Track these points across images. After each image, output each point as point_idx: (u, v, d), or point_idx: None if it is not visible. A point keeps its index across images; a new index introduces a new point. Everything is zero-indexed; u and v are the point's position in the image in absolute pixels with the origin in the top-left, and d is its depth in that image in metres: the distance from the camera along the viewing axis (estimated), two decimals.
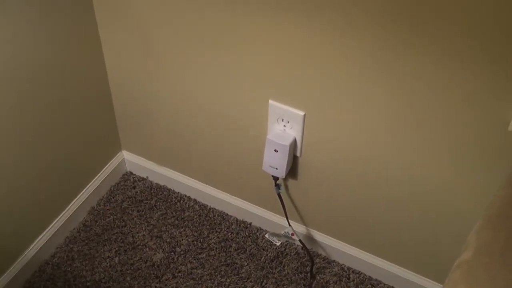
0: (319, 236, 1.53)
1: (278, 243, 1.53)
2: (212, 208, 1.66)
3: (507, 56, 0.94)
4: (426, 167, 1.19)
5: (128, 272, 1.50)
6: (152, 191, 1.71)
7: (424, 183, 1.22)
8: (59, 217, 1.53)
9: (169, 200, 1.68)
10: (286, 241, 1.55)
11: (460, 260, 0.69)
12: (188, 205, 1.67)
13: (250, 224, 1.62)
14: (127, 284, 1.48)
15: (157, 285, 1.48)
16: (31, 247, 1.46)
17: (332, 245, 1.51)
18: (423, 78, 1.05)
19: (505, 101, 1.00)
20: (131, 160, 1.73)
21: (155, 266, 1.52)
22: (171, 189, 1.71)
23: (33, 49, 1.24)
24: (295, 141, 1.32)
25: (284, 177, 1.37)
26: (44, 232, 1.49)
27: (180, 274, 1.51)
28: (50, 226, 1.50)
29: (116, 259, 1.52)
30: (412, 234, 1.35)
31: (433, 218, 1.28)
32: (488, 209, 0.73)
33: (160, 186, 1.72)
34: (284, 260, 1.54)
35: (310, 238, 1.54)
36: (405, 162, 1.21)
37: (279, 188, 1.43)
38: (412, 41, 1.01)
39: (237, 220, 1.63)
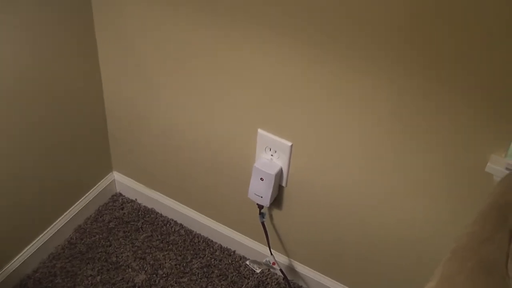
0: (300, 268, 1.53)
1: (258, 271, 1.54)
2: (198, 233, 1.68)
3: (486, 100, 0.98)
4: (409, 207, 1.21)
5: None
6: (139, 213, 1.72)
7: (406, 220, 1.24)
8: (45, 232, 1.54)
9: (155, 223, 1.70)
10: (267, 269, 1.56)
11: None
12: (174, 229, 1.68)
13: (234, 252, 1.63)
14: None
15: None
16: (14, 260, 1.46)
17: (314, 277, 1.52)
18: (404, 118, 1.08)
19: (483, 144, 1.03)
20: (121, 181, 1.75)
21: (137, 287, 1.52)
22: (158, 213, 1.73)
23: (32, 62, 1.28)
24: (281, 171, 1.35)
25: (268, 205, 1.39)
26: (28, 247, 1.50)
27: None
28: (34, 241, 1.51)
29: (98, 278, 1.53)
30: (396, 272, 1.36)
31: (407, 258, 1.30)
32: (454, 243, 0.75)
33: (148, 209, 1.74)
34: None
35: (291, 269, 1.55)
36: (386, 198, 1.23)
37: (263, 217, 1.44)
38: (395, 80, 1.05)
39: (221, 247, 1.64)
